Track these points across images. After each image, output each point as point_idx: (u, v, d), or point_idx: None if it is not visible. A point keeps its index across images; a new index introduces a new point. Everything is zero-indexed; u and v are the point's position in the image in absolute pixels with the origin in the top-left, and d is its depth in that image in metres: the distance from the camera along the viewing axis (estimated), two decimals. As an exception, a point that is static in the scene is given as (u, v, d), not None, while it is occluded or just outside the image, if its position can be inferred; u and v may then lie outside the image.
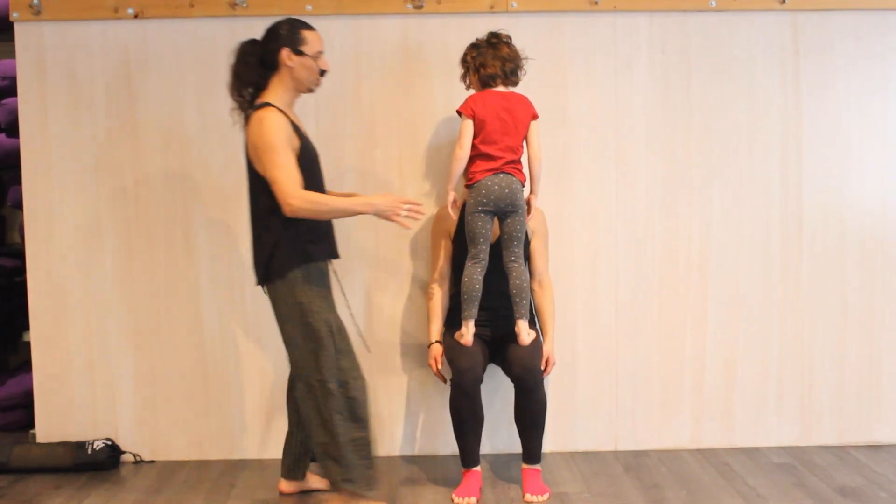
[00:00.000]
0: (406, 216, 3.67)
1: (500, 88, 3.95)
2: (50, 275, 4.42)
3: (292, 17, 3.82)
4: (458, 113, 3.93)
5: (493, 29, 4.03)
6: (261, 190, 3.65)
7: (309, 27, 3.75)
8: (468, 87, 4.05)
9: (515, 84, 4.00)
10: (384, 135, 4.38)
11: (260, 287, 3.77)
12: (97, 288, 4.43)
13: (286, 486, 4.06)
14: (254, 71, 3.72)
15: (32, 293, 4.43)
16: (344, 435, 3.61)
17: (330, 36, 4.34)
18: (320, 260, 3.72)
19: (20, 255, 4.82)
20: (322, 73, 3.76)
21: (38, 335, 4.44)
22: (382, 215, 3.66)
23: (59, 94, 4.37)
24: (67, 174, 4.39)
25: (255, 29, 4.34)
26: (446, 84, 4.33)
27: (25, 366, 4.96)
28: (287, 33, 3.70)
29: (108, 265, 4.42)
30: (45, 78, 4.36)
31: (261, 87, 3.73)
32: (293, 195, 3.54)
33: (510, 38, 4.00)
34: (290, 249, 3.63)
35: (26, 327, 4.56)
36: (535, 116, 3.95)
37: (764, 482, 4.10)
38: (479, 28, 4.09)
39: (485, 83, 3.96)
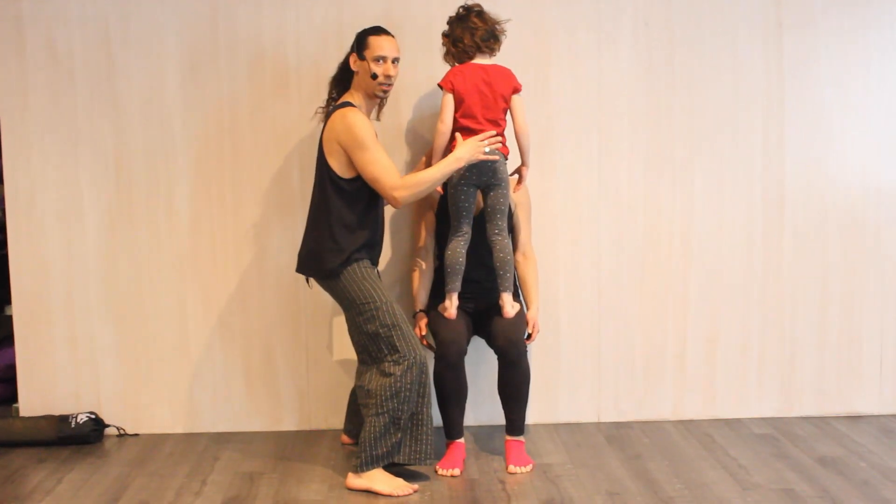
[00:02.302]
0: (490, 151, 3.84)
1: (480, 60, 3.93)
2: (32, 248, 4.39)
3: (377, 25, 3.95)
4: (440, 87, 3.92)
5: (477, 2, 3.99)
6: (327, 185, 3.82)
7: (379, 32, 3.88)
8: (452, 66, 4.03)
9: (494, 50, 3.95)
10: (367, 108, 4.37)
11: (301, 275, 4.02)
12: (79, 261, 4.41)
13: (347, 439, 4.33)
14: (341, 74, 4.00)
15: (14, 267, 4.41)
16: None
17: (311, 10, 4.33)
18: (366, 260, 3.88)
19: (1, 228, 4.79)
20: (373, 76, 3.84)
21: (21, 309, 4.43)
22: (472, 161, 3.81)
23: (39, 67, 4.33)
24: (48, 147, 4.37)
25: (236, 3, 4.33)
26: (429, 58, 4.30)
27: (8, 340, 4.94)
28: (357, 38, 3.90)
29: (90, 238, 4.41)
30: (25, 50, 4.32)
31: (345, 90, 3.97)
32: (395, 187, 3.74)
33: (480, 7, 3.96)
34: (345, 246, 3.81)
35: (8, 301, 4.54)
36: (517, 89, 3.93)
37: (745, 453, 4.13)
38: (461, 0, 4.06)
39: (461, 59, 3.94)
